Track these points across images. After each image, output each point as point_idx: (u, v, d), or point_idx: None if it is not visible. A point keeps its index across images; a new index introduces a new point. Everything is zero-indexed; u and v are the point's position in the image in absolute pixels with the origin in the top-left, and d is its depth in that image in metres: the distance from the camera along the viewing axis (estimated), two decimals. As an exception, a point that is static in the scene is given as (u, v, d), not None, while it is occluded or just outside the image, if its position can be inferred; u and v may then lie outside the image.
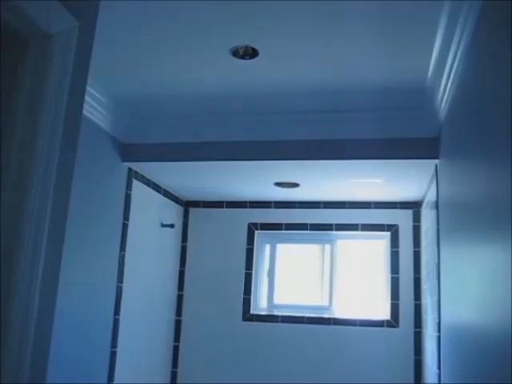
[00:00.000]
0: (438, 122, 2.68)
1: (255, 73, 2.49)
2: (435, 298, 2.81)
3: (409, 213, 3.93)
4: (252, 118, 2.96)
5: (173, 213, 4.03)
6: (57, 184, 1.55)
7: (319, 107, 2.78)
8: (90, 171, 2.82)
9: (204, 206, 4.23)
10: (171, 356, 4.04)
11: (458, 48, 2.00)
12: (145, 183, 3.52)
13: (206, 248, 4.18)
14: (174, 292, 4.11)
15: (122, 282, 3.19)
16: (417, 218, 3.90)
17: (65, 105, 1.52)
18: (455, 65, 2.10)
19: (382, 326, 3.83)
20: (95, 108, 2.77)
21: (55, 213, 1.57)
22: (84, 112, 2.62)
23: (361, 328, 3.83)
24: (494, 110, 1.50)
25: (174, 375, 4.04)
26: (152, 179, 3.61)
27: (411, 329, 3.78)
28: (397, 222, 3.94)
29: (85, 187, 2.75)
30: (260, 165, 3.14)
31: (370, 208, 3.97)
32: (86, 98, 2.58)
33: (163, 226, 3.81)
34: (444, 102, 2.43)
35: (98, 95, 2.72)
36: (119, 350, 3.17)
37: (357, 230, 3.99)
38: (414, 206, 3.90)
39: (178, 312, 4.12)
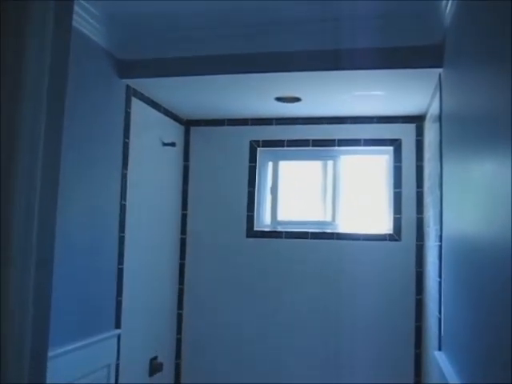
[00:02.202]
0: (443, 29, 2.59)
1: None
2: (437, 210, 2.82)
3: (412, 127, 3.89)
4: (252, 30, 2.86)
5: (174, 132, 4.00)
6: (50, 101, 1.50)
7: (319, 16, 2.68)
8: (86, 89, 2.76)
9: (205, 125, 4.19)
10: (177, 273, 4.11)
11: None
12: (144, 101, 3.47)
13: (208, 166, 4.18)
14: (178, 211, 4.14)
15: (125, 201, 3.20)
16: (420, 132, 3.86)
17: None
18: (461, -36, 2.01)
19: (385, 239, 3.87)
20: (88, 22, 2.67)
21: (50, 130, 1.53)
22: (78, 27, 2.57)
23: (364, 242, 3.88)
24: (502, 12, 1.43)
25: (180, 291, 4.13)
26: (151, 97, 3.56)
27: (413, 242, 3.82)
28: (400, 137, 3.90)
29: (81, 106, 2.71)
30: (260, 78, 3.06)
31: (373, 123, 3.92)
32: (79, 10, 2.51)
33: (164, 144, 3.78)
34: (449, 5, 2.35)
35: (91, 8, 2.63)
36: (126, 266, 3.22)
37: (359, 145, 3.96)
38: (417, 120, 3.86)
39: (183, 231, 4.17)
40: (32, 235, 1.42)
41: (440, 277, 2.71)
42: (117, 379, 3.13)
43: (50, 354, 2.29)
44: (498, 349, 1.42)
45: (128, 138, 3.23)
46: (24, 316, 1.38)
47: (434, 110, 3.10)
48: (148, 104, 3.54)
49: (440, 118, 2.83)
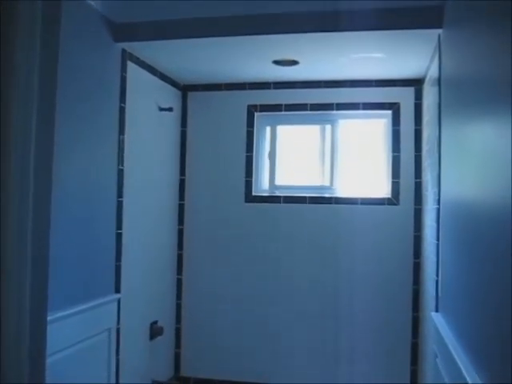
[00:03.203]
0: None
1: None
2: (435, 173, 2.82)
3: (410, 90, 3.86)
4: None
5: (171, 97, 3.96)
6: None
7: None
8: (80, 53, 2.72)
9: (202, 90, 4.15)
10: (176, 238, 4.13)
11: None
12: (140, 66, 3.43)
13: (205, 132, 4.16)
14: (176, 177, 4.14)
15: (122, 166, 3.19)
16: (419, 96, 3.83)
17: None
18: None
19: (383, 204, 3.87)
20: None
21: (44, 91, 1.50)
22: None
23: (362, 206, 3.88)
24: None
25: (179, 257, 4.15)
26: (148, 61, 3.51)
27: (411, 206, 3.83)
28: (398, 100, 3.88)
29: (76, 70, 2.67)
30: (258, 40, 3.02)
31: (371, 86, 3.89)
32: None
33: (161, 109, 3.76)
34: (449, -36, 2.30)
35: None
36: (124, 232, 3.23)
37: (358, 109, 3.94)
38: (416, 84, 3.82)
39: (181, 196, 4.17)
40: (28, 202, 1.42)
41: (437, 239, 2.72)
42: (118, 343, 3.16)
43: (51, 317, 2.32)
44: (494, 308, 1.43)
45: (124, 102, 3.20)
46: (22, 280, 1.38)
47: (433, 72, 3.06)
48: (144, 68, 3.50)
49: (439, 80, 2.80)
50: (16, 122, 1.38)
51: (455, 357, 1.85)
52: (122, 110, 3.19)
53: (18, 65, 1.39)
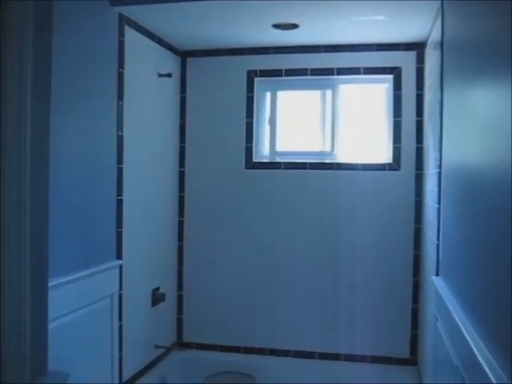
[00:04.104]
0: None
1: None
2: (437, 137, 2.80)
3: (412, 54, 3.81)
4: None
5: (169, 63, 3.92)
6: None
7: None
8: (76, 18, 2.67)
9: (201, 55, 4.10)
10: (177, 205, 4.13)
11: None
12: (138, 30, 3.38)
13: (205, 98, 4.12)
14: (177, 144, 4.12)
15: (122, 132, 3.17)
16: (420, 60, 3.78)
17: None
18: None
19: (384, 169, 3.86)
20: None
21: (38, 58, 1.48)
22: None
23: (363, 172, 3.87)
24: None
25: (180, 223, 4.16)
26: (145, 26, 3.46)
27: (412, 171, 3.81)
28: (400, 65, 3.83)
29: (72, 36, 2.64)
30: (257, 3, 2.96)
31: (373, 50, 3.84)
32: None
33: (160, 75, 3.72)
34: None
35: None
36: (125, 198, 3.23)
37: (359, 73, 3.89)
38: (418, 48, 3.77)
39: (181, 163, 4.15)
40: (26, 170, 1.40)
41: (439, 203, 2.71)
42: (120, 308, 3.19)
43: (53, 283, 2.34)
44: (495, 269, 1.43)
45: (122, 68, 3.16)
46: (21, 246, 1.38)
47: (436, 36, 3.02)
48: (142, 33, 3.45)
49: (441, 44, 2.76)
50: (11, 90, 1.36)
51: (456, 319, 1.85)
52: (120, 76, 3.15)
53: (12, 29, 1.37)
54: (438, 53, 2.89)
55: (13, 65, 1.37)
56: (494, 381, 1.25)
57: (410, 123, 3.81)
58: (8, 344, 1.23)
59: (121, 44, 3.15)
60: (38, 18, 1.44)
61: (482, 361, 1.40)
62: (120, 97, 3.15)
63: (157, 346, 3.78)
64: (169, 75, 3.75)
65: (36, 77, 1.44)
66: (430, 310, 2.93)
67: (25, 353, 1.26)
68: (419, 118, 3.78)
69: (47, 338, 1.39)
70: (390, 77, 3.86)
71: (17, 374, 1.25)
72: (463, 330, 1.70)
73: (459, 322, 1.79)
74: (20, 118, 1.40)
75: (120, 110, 3.15)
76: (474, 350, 1.50)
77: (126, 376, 3.34)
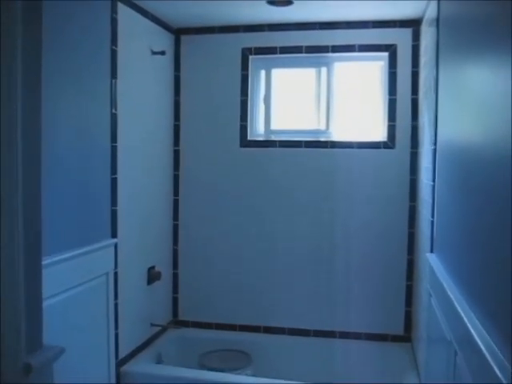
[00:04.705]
0: None
1: None
2: (432, 114, 2.79)
3: (408, 31, 3.78)
4: None
5: (163, 41, 3.88)
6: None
7: None
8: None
9: (195, 33, 4.06)
10: (172, 183, 4.12)
11: None
12: (131, 7, 3.34)
13: (199, 76, 4.09)
14: (171, 122, 4.09)
15: (116, 110, 3.15)
16: (416, 37, 3.76)
17: None
18: None
19: (379, 147, 3.85)
20: None
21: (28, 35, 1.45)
22: None
23: (358, 150, 3.86)
24: None
25: (175, 202, 4.16)
26: (138, 3, 3.42)
27: (407, 149, 3.81)
28: (395, 42, 3.81)
29: (64, 12, 2.60)
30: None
31: (368, 28, 3.81)
32: None
33: (154, 53, 3.68)
34: None
35: None
36: (119, 176, 3.22)
37: (354, 51, 3.86)
38: (414, 25, 3.74)
39: (176, 142, 4.14)
40: (17, 148, 1.39)
41: (433, 181, 2.72)
42: (116, 287, 3.20)
43: (48, 261, 2.34)
44: (489, 245, 1.44)
45: (116, 45, 3.13)
46: (14, 224, 1.37)
47: (432, 12, 3.00)
48: (135, 10, 3.41)
49: (437, 21, 2.74)
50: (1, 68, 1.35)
51: (450, 295, 1.87)
52: (113, 53, 3.12)
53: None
54: (433, 30, 2.87)
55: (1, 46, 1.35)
56: (488, 356, 1.26)
57: (405, 101, 3.80)
58: (2, 319, 1.23)
59: (114, 21, 3.12)
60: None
61: (475, 336, 1.41)
62: (113, 74, 3.12)
63: (153, 325, 3.80)
64: (162, 53, 3.71)
65: (26, 56, 1.42)
66: (424, 286, 2.94)
67: (19, 328, 1.26)
68: (414, 96, 3.77)
69: (41, 312, 1.39)
70: (385, 54, 3.83)
71: (11, 348, 1.25)
72: (457, 305, 1.72)
73: (453, 298, 1.81)
74: (10, 94, 1.39)
75: (113, 87, 3.12)
76: (468, 325, 1.51)
77: (123, 353, 3.36)
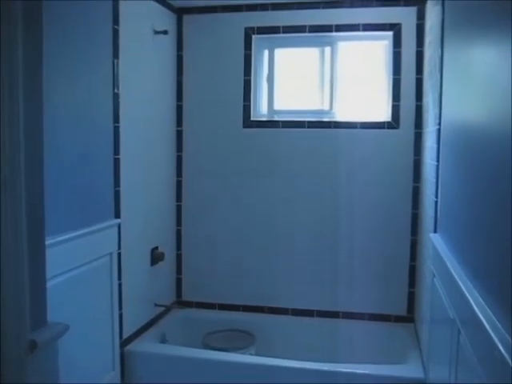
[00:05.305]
0: None
1: None
2: (437, 93, 2.77)
3: (413, 10, 3.74)
4: None
5: (165, 20, 3.84)
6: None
7: None
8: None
9: (198, 12, 4.03)
10: (175, 164, 4.11)
11: None
12: (132, -14, 3.31)
13: (202, 56, 4.06)
14: (173, 102, 4.07)
15: (118, 90, 3.13)
16: (421, 16, 3.71)
17: None
18: None
19: (383, 127, 3.83)
20: None
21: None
22: None
23: (361, 130, 3.84)
24: None
25: (178, 183, 4.15)
26: (139, -18, 3.39)
27: (411, 130, 3.79)
28: (400, 21, 3.76)
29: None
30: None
31: (372, 6, 3.77)
32: None
33: (156, 33, 3.65)
34: None
35: None
36: (122, 157, 3.21)
37: (358, 30, 3.82)
38: (419, 3, 3.70)
39: (179, 123, 4.12)
40: (19, 128, 1.38)
41: (437, 161, 2.70)
42: (119, 267, 3.20)
43: (52, 241, 2.35)
44: (495, 226, 1.43)
45: (117, 24, 3.10)
46: (17, 204, 1.37)
47: (437, -10, 2.96)
48: (136, -11, 3.38)
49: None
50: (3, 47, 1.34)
51: (453, 274, 1.86)
52: (115, 33, 3.09)
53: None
54: (439, 8, 2.83)
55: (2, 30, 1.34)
56: (492, 333, 1.26)
57: (409, 81, 3.77)
58: (7, 297, 1.24)
59: (115, 0, 3.08)
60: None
61: (479, 314, 1.41)
62: (115, 54, 3.10)
63: (156, 305, 3.82)
64: (165, 32, 3.68)
65: (28, 35, 1.41)
66: (427, 267, 2.94)
67: (23, 305, 1.27)
68: (419, 76, 3.73)
69: (45, 290, 1.40)
70: (390, 33, 3.79)
71: (16, 325, 1.26)
72: (461, 284, 1.71)
73: (457, 277, 1.80)
74: (12, 74, 1.38)
75: (115, 67, 3.10)
76: (472, 304, 1.51)
77: (127, 333, 3.38)
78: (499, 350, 1.16)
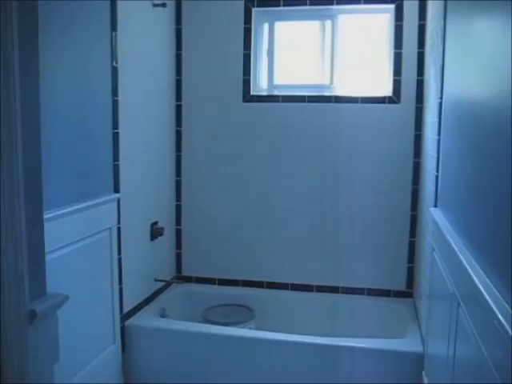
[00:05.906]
0: None
1: None
2: (439, 67, 2.74)
3: (415, -17, 3.69)
4: None
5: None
6: None
7: None
8: None
9: (197, -15, 3.97)
10: (174, 139, 4.09)
11: None
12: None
13: (201, 29, 4.01)
14: (173, 77, 4.03)
15: (116, 63, 3.09)
16: (424, -12, 3.67)
17: None
18: None
19: (384, 102, 3.80)
20: None
21: None
22: None
23: (362, 105, 3.81)
24: None
25: (178, 158, 4.13)
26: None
27: (413, 104, 3.76)
28: (402, -6, 3.72)
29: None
30: None
31: (374, -21, 3.72)
32: None
33: (155, 5, 3.61)
34: None
35: None
36: (121, 131, 3.19)
37: (359, 3, 3.77)
38: (421, -25, 3.65)
39: (178, 97, 4.09)
40: (15, 102, 1.37)
41: (439, 135, 2.69)
42: (119, 241, 3.20)
43: (50, 215, 2.34)
44: (493, 198, 1.43)
45: (115, -2, 3.06)
46: (14, 177, 1.36)
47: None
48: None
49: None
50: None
51: (453, 246, 1.86)
52: (113, 5, 3.05)
53: None
54: (441, -19, 2.79)
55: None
56: (492, 304, 1.26)
57: (411, 55, 3.73)
58: (5, 267, 1.23)
59: (113, -29, 3.04)
60: None
61: (479, 285, 1.41)
62: (113, 27, 3.05)
63: (156, 280, 3.83)
64: (163, 5, 3.64)
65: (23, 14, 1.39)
66: (427, 241, 2.94)
67: (22, 275, 1.27)
68: (421, 50, 3.69)
69: (44, 260, 1.40)
70: (392, 6, 3.75)
71: (15, 296, 1.26)
72: (461, 256, 1.71)
73: (457, 250, 1.80)
74: (6, 46, 1.36)
75: (114, 40, 3.06)
76: (473, 276, 1.50)
77: (127, 308, 3.39)
78: (499, 320, 1.16)
